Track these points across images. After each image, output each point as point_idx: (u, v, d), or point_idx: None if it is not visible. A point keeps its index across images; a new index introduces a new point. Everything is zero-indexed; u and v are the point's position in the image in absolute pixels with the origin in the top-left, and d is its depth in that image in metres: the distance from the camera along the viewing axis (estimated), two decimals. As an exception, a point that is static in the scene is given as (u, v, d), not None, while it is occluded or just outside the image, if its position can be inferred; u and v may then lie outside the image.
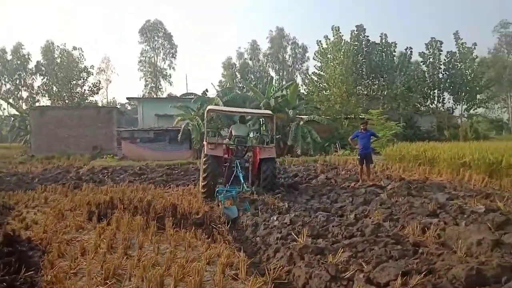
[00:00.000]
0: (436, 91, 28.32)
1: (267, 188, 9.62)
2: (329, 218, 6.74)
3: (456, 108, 29.18)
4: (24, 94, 47.55)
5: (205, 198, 9.18)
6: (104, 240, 5.73)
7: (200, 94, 28.54)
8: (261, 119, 23.68)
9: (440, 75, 27.85)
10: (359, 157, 11.49)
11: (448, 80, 27.60)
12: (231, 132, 10.80)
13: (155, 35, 55.97)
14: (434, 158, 13.86)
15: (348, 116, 26.24)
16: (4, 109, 45.44)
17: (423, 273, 3.98)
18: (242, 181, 9.19)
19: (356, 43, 27.14)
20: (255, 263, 5.33)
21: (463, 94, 27.55)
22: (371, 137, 11.47)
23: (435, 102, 28.65)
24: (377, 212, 7.08)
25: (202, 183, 9.43)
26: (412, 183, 10.47)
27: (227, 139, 10.88)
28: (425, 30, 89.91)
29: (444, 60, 27.69)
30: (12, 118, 36.88)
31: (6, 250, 5.16)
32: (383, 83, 27.24)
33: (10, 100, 43.97)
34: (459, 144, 15.84)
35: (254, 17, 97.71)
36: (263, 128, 24.32)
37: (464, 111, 29.21)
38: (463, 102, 28.30)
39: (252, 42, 59.41)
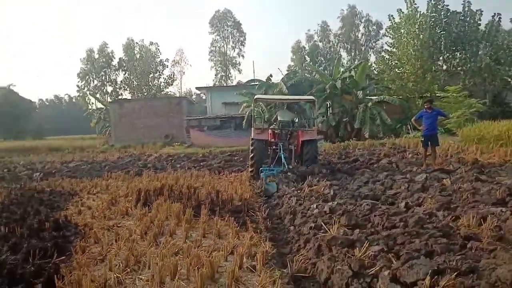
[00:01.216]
0: (531, 61, 24.73)
1: (307, 164, 10.34)
2: (374, 206, 6.14)
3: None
4: (109, 89, 51.82)
5: (252, 177, 10.34)
6: (140, 227, 5.87)
7: (265, 80, 28.42)
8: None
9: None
10: (423, 139, 10.40)
11: (546, 48, 23.94)
12: (276, 117, 11.83)
13: (224, 24, 56.93)
14: (519, 138, 12.12)
15: (423, 95, 24.11)
16: (92, 103, 50.02)
17: (462, 273, 3.38)
18: (283, 161, 10.10)
19: (433, 14, 24.64)
20: (284, 254, 5.06)
21: None
22: (438, 117, 10.27)
23: (530, 74, 25.05)
24: (432, 200, 6.29)
25: (250, 164, 10.73)
26: (485, 167, 9.23)
27: (273, 125, 11.75)
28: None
29: (542, 24, 24.03)
30: (99, 112, 40.41)
31: (50, 235, 5.52)
32: (465, 56, 24.46)
33: (97, 95, 48.22)
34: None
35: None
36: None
37: None
38: None
39: (322, 23, 57.60)
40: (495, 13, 24.39)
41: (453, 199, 6.46)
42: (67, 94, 77.70)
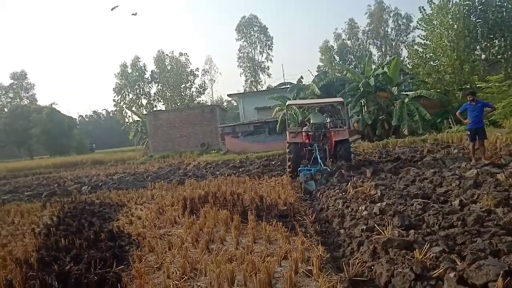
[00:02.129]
0: None
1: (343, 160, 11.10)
2: (426, 205, 5.93)
3: None
4: (144, 102, 53.37)
5: (291, 177, 11.10)
6: (190, 235, 5.97)
7: (296, 83, 28.31)
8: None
9: None
10: (469, 133, 9.98)
11: None
12: (309, 120, 12.49)
13: (251, 30, 57.39)
14: None
15: (463, 87, 23.17)
16: (129, 116, 51.72)
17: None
18: (320, 161, 10.61)
19: (467, 2, 23.70)
20: (337, 257, 4.99)
21: None
22: (485, 108, 9.82)
23: None
24: (488, 196, 6.01)
25: (288, 167, 11.51)
26: (542, 159, 8.73)
27: (306, 127, 12.33)
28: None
29: None
30: (136, 124, 41.68)
31: (107, 245, 5.73)
32: (505, 43, 23.29)
33: (133, 108, 49.78)
34: None
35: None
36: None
37: None
38: None
39: (349, 20, 56.82)
40: (535, -4, 23.13)
41: (511, 194, 6.15)
42: (104, 109, 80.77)
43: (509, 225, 4.64)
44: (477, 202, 6.06)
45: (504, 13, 23.17)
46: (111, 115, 72.77)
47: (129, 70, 53.59)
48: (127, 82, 52.96)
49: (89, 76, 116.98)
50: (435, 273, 3.57)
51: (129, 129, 45.44)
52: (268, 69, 58.13)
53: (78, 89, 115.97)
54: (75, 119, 65.68)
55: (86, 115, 79.59)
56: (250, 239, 5.53)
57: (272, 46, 58.25)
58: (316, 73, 34.43)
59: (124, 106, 52.31)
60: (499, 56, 23.68)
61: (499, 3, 23.39)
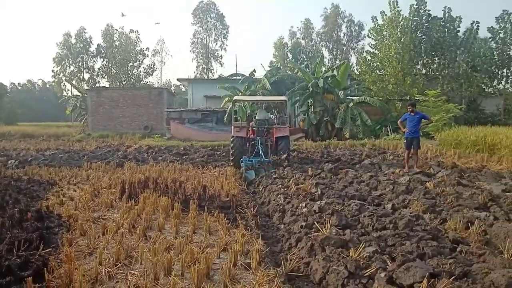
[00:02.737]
0: (505, 70, 25.74)
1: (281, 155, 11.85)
2: (362, 207, 6.22)
3: (528, 89, 26.35)
4: (86, 76, 50.27)
5: (233, 166, 11.68)
6: (127, 220, 5.74)
7: (248, 75, 28.29)
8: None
9: (511, 52, 25.21)
10: (405, 141, 10.63)
11: (520, 58, 24.95)
12: (254, 116, 13.28)
13: (207, 16, 56.22)
14: (494, 144, 12.59)
15: (403, 98, 24.65)
16: (68, 90, 48.42)
17: (456, 277, 3.47)
18: (261, 153, 11.31)
19: (415, 18, 25.16)
20: (275, 252, 5.06)
21: (537, 73, 24.80)
22: (422, 120, 10.51)
23: (503, 83, 26.08)
24: (418, 202, 6.44)
25: (231, 158, 12.26)
26: (465, 172, 9.54)
27: (248, 121, 13.19)
28: (495, 2, 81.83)
29: (517, 35, 24.99)
30: (75, 99, 39.20)
31: (33, 226, 5.32)
32: (444, 61, 25.13)
33: (73, 82, 46.73)
34: (526, 129, 14.19)
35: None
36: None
37: (537, 93, 26.27)
38: (537, 83, 25.48)
39: (305, 20, 57.78)
40: (473, 21, 25.16)
41: (437, 202, 6.65)
42: (40, 79, 75.08)
43: (434, 231, 4.99)
44: (408, 207, 6.47)
45: (446, 33, 24.93)
46: (47, 86, 67.75)
47: (73, 41, 50.08)
48: (69, 53, 49.46)
49: (26, 41, 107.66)
50: (367, 272, 3.75)
51: (66, 104, 42.60)
52: (222, 58, 57.40)
53: (12, 54, 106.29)
54: (6, 86, 60.30)
55: (19, 83, 73.43)
56: (190, 228, 5.43)
57: (228, 35, 57.54)
58: (269, 68, 34.59)
59: (63, 78, 48.90)
60: (437, 73, 25.47)
61: (443, 23, 25.11)
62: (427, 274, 3.39)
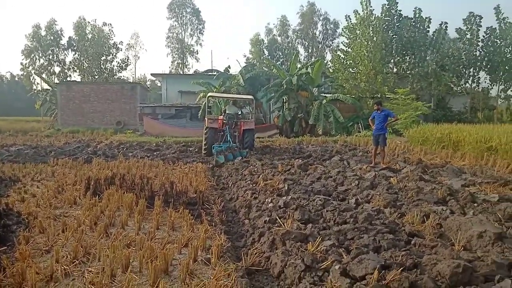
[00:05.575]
0: (471, 69, 26.69)
1: (247, 148, 13.74)
2: (326, 202, 6.34)
3: (492, 88, 27.40)
4: (57, 69, 48.69)
5: (205, 155, 13.46)
6: (89, 217, 5.64)
7: (223, 71, 28.18)
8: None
9: (477, 53, 26.18)
10: (373, 138, 10.89)
11: (485, 58, 25.92)
12: (225, 111, 14.97)
13: (183, 10, 55.50)
14: (459, 141, 13.05)
15: (374, 95, 25.17)
16: (37, 83, 46.81)
17: (407, 268, 3.61)
18: (229, 139, 13.27)
19: (387, 18, 25.70)
20: (238, 247, 5.09)
21: (501, 73, 25.81)
22: (388, 117, 10.76)
23: (470, 82, 27.04)
24: (380, 197, 6.62)
25: (204, 146, 13.82)
26: (428, 167, 9.86)
27: (222, 116, 14.73)
28: (463, 4, 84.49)
29: (483, 36, 25.95)
30: (44, 93, 37.96)
31: (-11, 223, 5.16)
32: (414, 60, 25.81)
33: (43, 75, 45.22)
34: (488, 126, 14.77)
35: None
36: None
37: (501, 92, 27.35)
38: (501, 82, 26.51)
39: (281, 17, 57.90)
40: (442, 22, 25.91)
41: (399, 197, 6.86)
42: (9, 71, 72.28)
43: (392, 224, 5.16)
44: (370, 202, 6.65)
45: (416, 33, 25.58)
46: (16, 79, 65.33)
47: (43, 33, 48.40)
48: (39, 46, 47.76)
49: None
50: (323, 265, 3.84)
51: (36, 98, 41.21)
52: (197, 53, 56.82)
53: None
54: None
55: (-15, 76, 70.45)
56: (153, 225, 5.39)
57: (204, 31, 57.05)
58: (245, 64, 34.56)
59: (32, 71, 47.22)
60: (408, 72, 26.13)
61: (413, 23, 25.75)
62: (378, 266, 3.50)
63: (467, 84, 27.38)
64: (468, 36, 26.31)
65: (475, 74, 26.74)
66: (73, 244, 4.48)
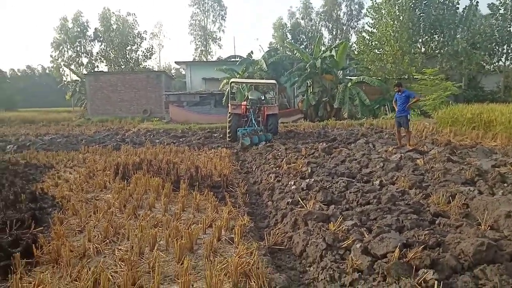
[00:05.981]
0: (505, 47, 25.44)
1: (272, 133, 13.83)
2: (350, 183, 6.33)
3: (528, 65, 26.11)
4: (84, 61, 49.97)
5: (230, 141, 13.77)
6: (118, 200, 5.87)
7: (245, 57, 28.12)
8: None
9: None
10: (396, 120, 10.66)
11: (521, 34, 24.65)
12: (247, 96, 14.85)
13: (205, -4, 55.40)
14: (490, 121, 12.57)
15: (401, 77, 24.48)
16: (67, 75, 48.26)
17: (429, 246, 3.59)
18: (254, 122, 13.54)
19: (414, -5, 24.76)
20: (261, 228, 5.19)
21: (538, 49, 24.53)
22: (409, 98, 10.47)
23: (503, 60, 25.82)
24: (405, 178, 6.53)
25: (228, 132, 14.09)
26: (457, 149, 9.58)
27: (245, 102, 14.73)
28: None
29: (518, 11, 24.62)
30: (74, 84, 39.13)
31: (27, 206, 5.47)
32: (443, 39, 24.85)
33: (72, 67, 46.55)
34: (522, 105, 14.12)
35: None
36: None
37: (538, 69, 26.05)
38: (537, 59, 25.23)
39: (304, 0, 56.84)
40: (473, -3, 24.71)
41: (425, 178, 6.73)
42: (40, 64, 74.77)
43: (416, 205, 5.11)
44: (395, 183, 6.57)
45: (445, 10, 24.54)
46: (47, 71, 67.55)
47: (70, 25, 49.63)
48: (67, 38, 49.06)
49: (25, 27, 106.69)
50: (344, 243, 3.87)
51: (66, 89, 42.59)
52: (220, 40, 56.78)
53: (11, 40, 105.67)
54: (5, 72, 60.22)
55: (18, 70, 73.20)
56: (179, 207, 5.55)
57: (226, 17, 56.85)
58: (268, 49, 34.32)
59: (62, 63, 48.68)
60: (436, 51, 25.20)
61: (442, 0, 24.69)
62: (399, 244, 3.50)
63: (500, 62, 26.17)
64: (502, 11, 25.02)
65: (509, 51, 25.49)
66: (104, 224, 4.70)
